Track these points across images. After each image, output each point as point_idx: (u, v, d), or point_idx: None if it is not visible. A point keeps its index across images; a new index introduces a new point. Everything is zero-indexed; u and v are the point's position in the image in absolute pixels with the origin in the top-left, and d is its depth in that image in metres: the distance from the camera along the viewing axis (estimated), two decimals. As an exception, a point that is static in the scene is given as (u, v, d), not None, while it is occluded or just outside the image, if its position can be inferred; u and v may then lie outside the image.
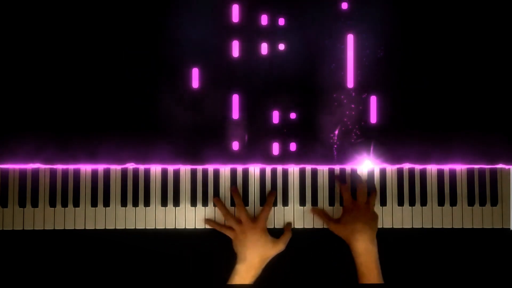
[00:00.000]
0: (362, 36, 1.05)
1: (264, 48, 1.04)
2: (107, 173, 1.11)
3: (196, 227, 1.12)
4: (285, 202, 1.12)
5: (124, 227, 1.11)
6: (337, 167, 1.11)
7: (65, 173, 1.11)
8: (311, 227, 1.12)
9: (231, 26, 1.05)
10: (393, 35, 1.06)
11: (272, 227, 1.12)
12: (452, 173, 1.12)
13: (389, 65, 1.06)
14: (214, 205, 1.12)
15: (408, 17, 1.06)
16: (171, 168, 1.11)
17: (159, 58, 1.05)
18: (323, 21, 1.05)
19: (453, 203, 1.12)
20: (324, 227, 1.11)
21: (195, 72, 1.05)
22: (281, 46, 1.04)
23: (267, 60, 1.05)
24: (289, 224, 1.11)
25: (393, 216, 1.12)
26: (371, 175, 1.11)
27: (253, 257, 1.04)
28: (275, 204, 1.12)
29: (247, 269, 1.03)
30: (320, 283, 1.11)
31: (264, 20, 1.04)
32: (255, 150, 1.06)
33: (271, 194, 1.10)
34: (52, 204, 1.11)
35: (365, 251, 1.02)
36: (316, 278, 1.12)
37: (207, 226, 1.11)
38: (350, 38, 1.05)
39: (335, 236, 1.09)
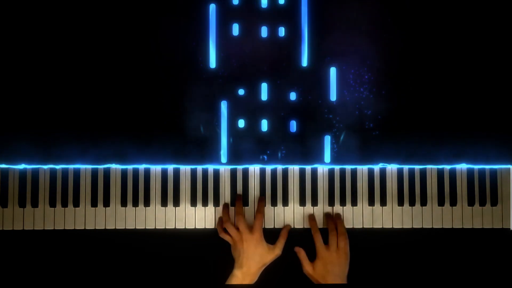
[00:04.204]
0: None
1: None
2: (107, 173, 1.11)
3: (196, 227, 1.12)
4: (285, 202, 1.12)
5: (124, 227, 1.11)
6: (336, 167, 1.12)
7: (65, 173, 1.11)
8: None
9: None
10: (390, 34, 1.06)
11: (272, 227, 1.12)
12: (452, 173, 1.12)
13: (390, 65, 1.06)
14: (214, 205, 1.12)
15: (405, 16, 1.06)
16: (171, 168, 1.11)
17: (160, 60, 1.05)
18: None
19: (453, 203, 1.12)
20: (324, 226, 1.11)
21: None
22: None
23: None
24: (286, 227, 1.11)
25: (393, 216, 1.12)
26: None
27: (250, 264, 1.05)
28: (274, 204, 1.12)
29: (244, 275, 1.05)
30: (313, 284, 1.11)
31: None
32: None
33: (261, 200, 1.11)
34: (52, 204, 1.11)
35: None
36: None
37: (208, 226, 1.12)
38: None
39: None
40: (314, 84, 1.05)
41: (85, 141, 1.05)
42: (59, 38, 1.05)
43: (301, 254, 1.09)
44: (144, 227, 1.12)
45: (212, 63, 1.05)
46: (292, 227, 1.12)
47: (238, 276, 1.05)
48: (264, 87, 1.05)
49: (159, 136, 1.05)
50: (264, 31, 1.05)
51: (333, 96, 1.05)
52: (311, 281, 1.08)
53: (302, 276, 1.09)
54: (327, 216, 1.12)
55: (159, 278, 1.14)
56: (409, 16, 1.05)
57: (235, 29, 1.05)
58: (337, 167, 1.12)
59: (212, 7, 1.04)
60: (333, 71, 1.05)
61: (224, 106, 1.04)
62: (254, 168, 1.12)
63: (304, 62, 1.05)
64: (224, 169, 1.12)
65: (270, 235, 1.09)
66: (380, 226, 1.12)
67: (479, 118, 1.06)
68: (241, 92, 1.05)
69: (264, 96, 1.05)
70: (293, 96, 1.05)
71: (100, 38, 1.05)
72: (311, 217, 1.12)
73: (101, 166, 1.08)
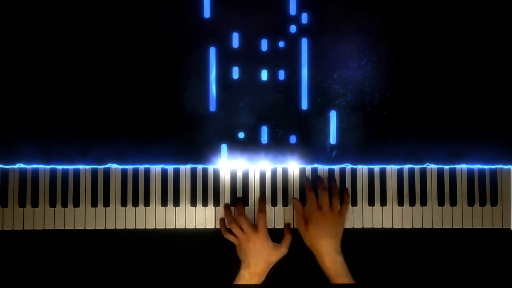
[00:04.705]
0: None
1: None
2: (107, 173, 1.11)
3: (196, 227, 1.12)
4: (285, 202, 1.12)
5: (124, 227, 1.11)
6: (336, 167, 1.12)
7: (65, 173, 1.11)
8: (311, 227, 1.12)
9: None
10: (390, 73, 1.06)
11: (272, 227, 1.12)
12: (452, 173, 1.12)
13: (392, 64, 1.06)
14: (214, 205, 1.12)
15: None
16: (171, 168, 1.11)
17: (160, 60, 1.05)
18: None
19: (453, 203, 1.12)
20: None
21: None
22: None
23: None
24: (287, 225, 1.11)
25: (393, 216, 1.12)
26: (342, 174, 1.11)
27: (257, 264, 1.05)
28: (274, 204, 1.12)
29: (251, 275, 1.04)
30: (320, 283, 1.11)
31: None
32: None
33: (261, 200, 1.11)
34: (52, 204, 1.11)
35: (331, 263, 1.03)
36: (316, 277, 1.11)
37: (208, 226, 1.12)
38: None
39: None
40: (314, 127, 1.06)
41: (85, 141, 1.05)
42: (59, 39, 1.05)
43: (298, 207, 1.09)
44: (144, 227, 1.12)
45: (212, 106, 1.05)
46: (292, 226, 1.12)
47: (245, 276, 1.04)
48: (264, 130, 1.05)
49: (159, 136, 1.05)
50: (264, 75, 1.05)
51: (333, 139, 1.06)
52: (315, 280, 1.08)
53: (309, 275, 1.09)
54: (318, 178, 1.11)
55: (159, 278, 1.14)
56: (408, 50, 1.06)
57: (235, 72, 1.05)
58: (337, 167, 1.12)
59: (212, 50, 1.05)
60: (333, 114, 1.05)
61: (224, 149, 1.05)
62: (254, 168, 1.12)
63: (304, 105, 1.06)
64: (224, 169, 1.12)
65: (270, 235, 1.09)
66: (380, 226, 1.12)
67: (479, 118, 1.06)
68: (241, 135, 1.05)
69: (264, 139, 1.05)
70: (293, 139, 1.05)
71: (101, 38, 1.05)
72: (305, 178, 1.11)
73: (101, 166, 1.08)
